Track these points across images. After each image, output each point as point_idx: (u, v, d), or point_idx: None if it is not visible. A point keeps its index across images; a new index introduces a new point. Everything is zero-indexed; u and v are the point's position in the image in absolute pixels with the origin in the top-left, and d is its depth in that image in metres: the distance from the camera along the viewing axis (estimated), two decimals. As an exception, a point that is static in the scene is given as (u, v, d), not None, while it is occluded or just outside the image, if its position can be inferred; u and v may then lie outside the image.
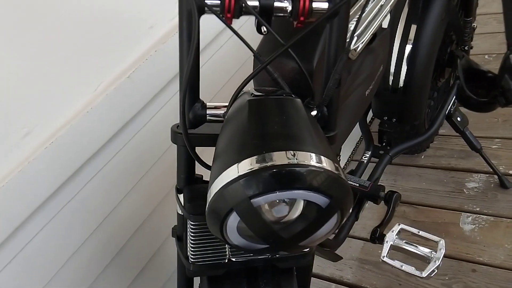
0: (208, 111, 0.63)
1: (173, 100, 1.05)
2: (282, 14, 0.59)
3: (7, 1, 0.75)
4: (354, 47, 0.82)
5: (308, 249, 0.68)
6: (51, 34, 0.83)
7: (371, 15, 0.86)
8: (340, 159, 1.29)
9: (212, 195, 0.47)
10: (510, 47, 1.00)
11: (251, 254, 0.67)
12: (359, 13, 0.62)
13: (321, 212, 0.48)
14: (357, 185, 1.24)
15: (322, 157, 0.47)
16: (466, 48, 1.54)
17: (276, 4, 0.58)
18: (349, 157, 1.91)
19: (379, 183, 1.32)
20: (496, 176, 1.65)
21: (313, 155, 0.47)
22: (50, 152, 0.83)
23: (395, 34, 1.39)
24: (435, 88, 1.65)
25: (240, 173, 0.45)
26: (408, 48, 1.37)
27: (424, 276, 1.01)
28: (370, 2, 0.86)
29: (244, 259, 0.67)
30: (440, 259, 1.03)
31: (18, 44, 0.78)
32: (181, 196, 0.68)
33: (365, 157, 1.40)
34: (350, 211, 0.51)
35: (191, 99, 0.62)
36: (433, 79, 1.57)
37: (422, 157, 1.88)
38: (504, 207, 1.57)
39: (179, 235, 0.72)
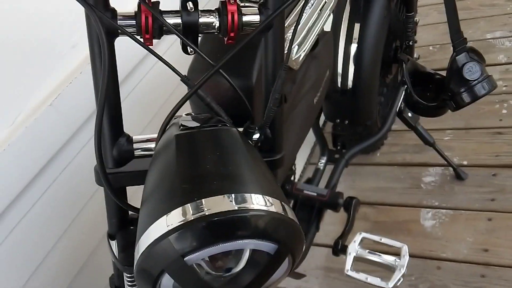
0: (137, 145, 0.55)
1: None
2: (210, 31, 0.52)
3: None
4: (296, 57, 0.76)
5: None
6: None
7: (311, 20, 0.80)
8: (295, 168, 1.24)
9: (140, 253, 0.40)
10: (455, 48, 0.96)
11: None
12: (295, 22, 0.55)
13: (269, 259, 0.41)
14: (315, 194, 1.19)
15: (266, 197, 0.40)
16: (410, 43, 1.51)
17: (202, 20, 0.51)
18: (306, 162, 1.86)
19: (337, 189, 1.28)
20: (451, 168, 1.64)
21: (255, 196, 0.40)
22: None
23: (339, 35, 1.34)
24: (384, 84, 1.63)
25: (170, 228, 0.38)
26: (354, 48, 1.34)
27: (390, 287, 0.97)
28: (308, 8, 0.80)
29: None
30: (405, 266, 0.99)
31: None
32: (114, 243, 0.60)
33: (321, 163, 1.35)
34: (303, 252, 0.44)
35: (113, 133, 0.54)
36: (381, 76, 1.54)
37: (378, 154, 1.85)
38: (462, 200, 1.56)
39: (117, 286, 0.64)
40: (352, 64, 1.35)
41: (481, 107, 1.85)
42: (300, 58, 0.77)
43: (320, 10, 0.82)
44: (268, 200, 0.40)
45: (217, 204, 0.38)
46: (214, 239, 0.38)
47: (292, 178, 1.25)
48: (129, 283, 0.56)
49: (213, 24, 0.51)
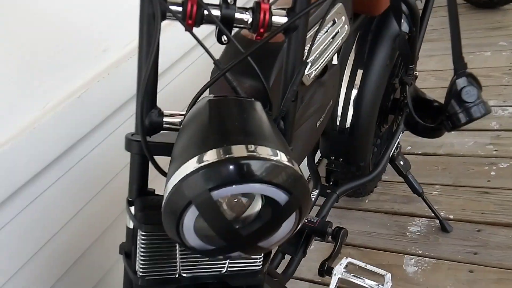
0: (166, 119, 0.63)
1: (126, 124, 1.03)
2: (242, 26, 0.61)
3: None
4: (307, 73, 0.85)
5: (261, 264, 0.67)
6: (6, 46, 0.81)
7: (324, 44, 0.90)
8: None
9: (170, 189, 0.46)
10: (456, 72, 1.06)
11: (202, 270, 0.65)
12: (316, 31, 0.64)
13: (280, 209, 0.47)
14: (305, 220, 1.24)
15: (282, 153, 0.47)
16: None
17: (237, 15, 0.60)
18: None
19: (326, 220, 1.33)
20: (437, 221, 1.71)
21: (274, 150, 0.47)
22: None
23: (343, 77, 1.45)
24: (378, 135, 1.72)
25: (200, 165, 0.45)
26: (355, 92, 1.44)
27: (372, 309, 1.01)
28: (322, 33, 0.90)
29: (195, 274, 0.65)
30: (387, 292, 1.04)
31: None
32: (132, 209, 0.65)
33: (313, 195, 1.42)
34: (308, 212, 0.51)
35: (147, 105, 0.61)
36: (377, 125, 1.64)
37: (366, 201, 1.92)
38: (445, 250, 1.62)
39: (127, 251, 0.69)
40: (351, 107, 1.44)
41: (471, 167, 1.95)
42: (311, 76, 0.86)
43: (333, 38, 0.92)
44: (285, 157, 0.47)
45: (242, 151, 0.45)
46: (237, 178, 0.44)
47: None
48: (142, 242, 0.61)
49: (247, 20, 0.60)
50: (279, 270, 1.22)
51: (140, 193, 0.66)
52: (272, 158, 0.46)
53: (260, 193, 0.47)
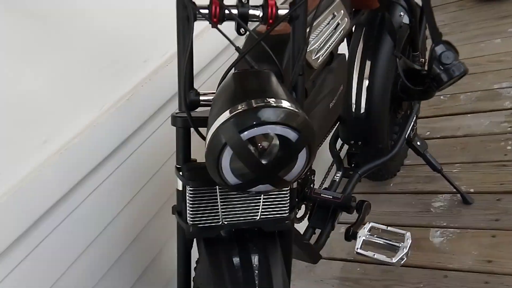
0: (201, 97, 0.80)
1: (167, 122, 1.20)
2: (255, 20, 0.78)
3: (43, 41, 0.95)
4: (315, 58, 1.01)
5: (288, 212, 0.82)
6: (69, 61, 1.01)
7: (327, 33, 1.06)
8: (314, 178, 1.44)
9: (209, 137, 0.63)
10: (433, 41, 1.21)
11: (240, 218, 0.81)
12: (311, 20, 0.80)
13: (292, 145, 0.63)
14: (331, 197, 1.38)
15: (292, 104, 0.63)
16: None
17: (251, 11, 0.77)
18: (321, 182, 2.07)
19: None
20: (459, 195, 1.82)
21: (286, 102, 0.63)
22: (64, 157, 0.96)
23: (353, 69, 1.60)
24: (395, 122, 1.85)
25: (230, 115, 0.61)
26: (366, 81, 1.58)
27: (394, 261, 1.15)
28: (324, 25, 1.06)
29: (234, 222, 0.81)
30: (408, 247, 1.17)
31: (43, 70, 0.96)
32: (180, 173, 0.82)
33: (336, 176, 1.56)
34: (316, 152, 0.66)
35: (187, 87, 0.78)
36: (392, 111, 1.77)
37: (391, 184, 2.05)
38: (468, 220, 1.73)
39: (178, 210, 0.85)
40: (364, 95, 1.59)
41: (488, 144, 2.05)
42: (319, 61, 1.02)
43: (335, 28, 1.08)
44: (295, 106, 0.63)
45: (261, 102, 0.61)
46: (259, 121, 0.60)
47: (312, 185, 1.46)
48: (190, 196, 0.78)
49: (258, 14, 0.77)
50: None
51: (185, 160, 0.83)
52: (284, 106, 0.62)
53: (276, 133, 0.63)
